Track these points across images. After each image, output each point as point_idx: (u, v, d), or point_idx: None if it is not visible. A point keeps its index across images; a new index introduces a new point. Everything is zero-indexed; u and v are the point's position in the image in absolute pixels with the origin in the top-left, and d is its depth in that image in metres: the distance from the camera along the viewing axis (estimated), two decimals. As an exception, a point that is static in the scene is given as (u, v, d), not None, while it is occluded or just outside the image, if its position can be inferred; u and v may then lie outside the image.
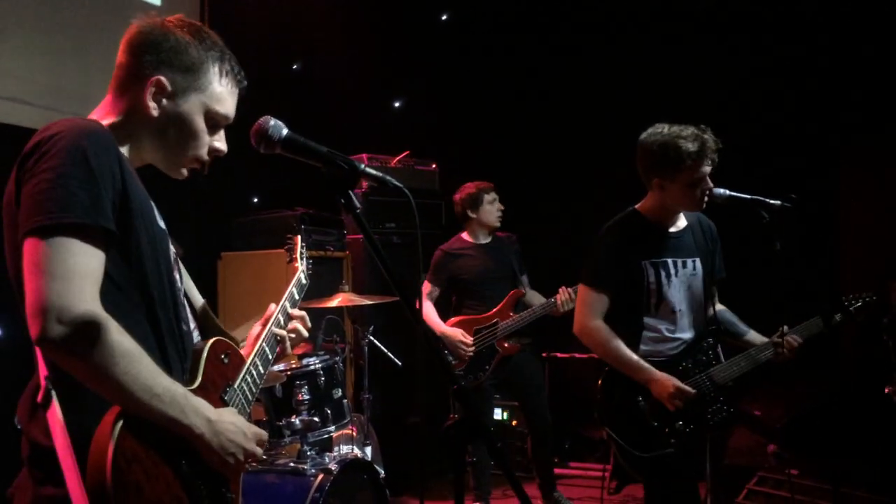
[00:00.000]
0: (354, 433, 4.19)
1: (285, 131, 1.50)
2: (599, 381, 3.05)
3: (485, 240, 4.94)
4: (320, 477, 3.28)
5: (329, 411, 3.73)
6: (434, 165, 6.01)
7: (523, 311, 4.66)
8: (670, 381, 2.88)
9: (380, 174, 1.50)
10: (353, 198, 1.47)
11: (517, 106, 6.54)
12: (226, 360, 1.73)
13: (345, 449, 4.16)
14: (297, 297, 2.16)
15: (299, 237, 2.47)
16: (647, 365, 2.92)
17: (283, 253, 4.77)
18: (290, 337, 2.01)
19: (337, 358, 3.95)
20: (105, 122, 1.61)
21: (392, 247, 5.48)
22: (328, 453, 3.79)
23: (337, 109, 5.75)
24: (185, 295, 1.78)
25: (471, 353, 4.66)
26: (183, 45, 1.63)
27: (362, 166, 1.48)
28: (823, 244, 5.36)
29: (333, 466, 3.34)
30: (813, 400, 4.33)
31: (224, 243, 5.30)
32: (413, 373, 5.45)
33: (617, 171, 4.03)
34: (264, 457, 1.65)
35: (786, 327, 2.99)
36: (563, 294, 4.48)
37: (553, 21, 6.29)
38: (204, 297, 5.63)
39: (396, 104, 6.58)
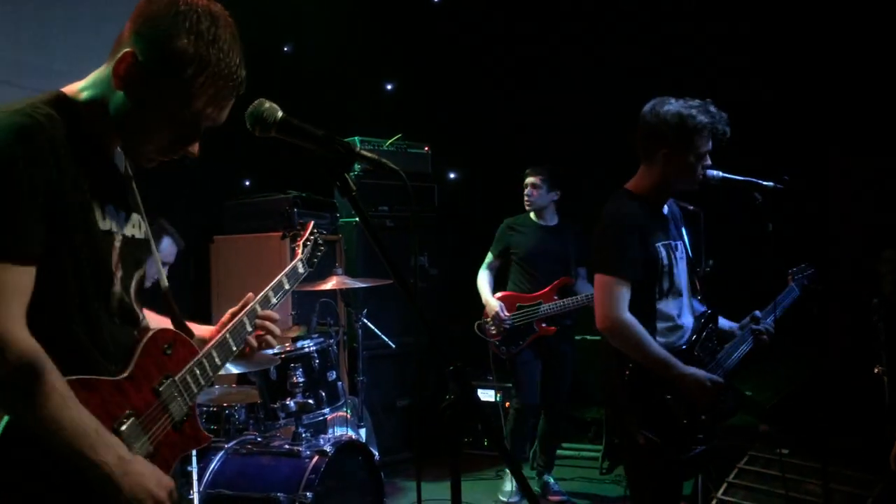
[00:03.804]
0: (349, 415, 4.21)
1: (280, 114, 1.48)
2: (622, 380, 2.70)
3: (546, 221, 4.94)
4: (315, 458, 3.30)
5: (323, 394, 3.75)
6: (427, 148, 6.00)
7: (566, 298, 4.74)
8: (704, 375, 2.69)
9: (375, 157, 1.49)
10: (349, 180, 1.47)
11: (510, 88, 6.52)
12: (168, 352, 1.66)
13: (339, 431, 4.19)
14: (286, 286, 2.04)
15: (312, 223, 2.38)
16: (675, 359, 2.69)
17: (275, 236, 4.81)
18: (258, 337, 1.90)
19: (331, 340, 3.96)
20: (87, 93, 1.54)
21: (385, 230, 5.49)
22: (323, 435, 3.81)
23: (328, 92, 5.73)
24: (141, 282, 1.71)
25: (505, 326, 4.74)
26: (171, 27, 1.47)
27: (358, 149, 1.48)
28: (814, 224, 5.39)
29: (328, 448, 3.36)
30: (803, 380, 4.37)
31: (216, 227, 5.29)
32: (407, 355, 5.48)
33: (611, 154, 4.02)
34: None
35: (757, 312, 2.94)
36: None
37: (546, 3, 6.26)
38: (197, 280, 5.58)
39: (389, 87, 6.55)
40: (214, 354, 1.76)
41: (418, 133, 5.99)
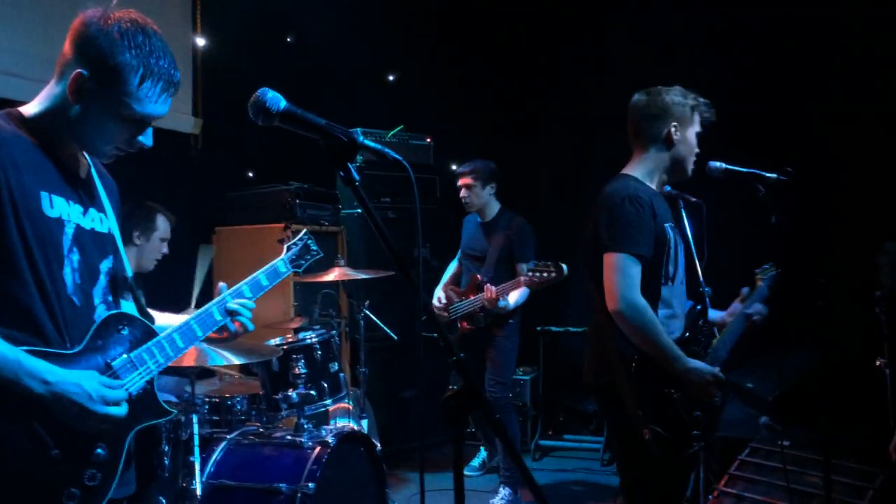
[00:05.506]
0: (351, 407, 4.22)
1: (283, 103, 1.49)
2: (628, 371, 2.58)
3: (485, 217, 4.86)
4: (317, 449, 3.30)
5: (325, 385, 3.75)
6: (429, 139, 5.99)
7: (471, 298, 4.69)
8: (708, 369, 2.61)
9: (379, 147, 1.50)
10: (352, 170, 1.47)
11: (512, 79, 6.50)
12: (123, 332, 1.85)
13: (341, 422, 4.20)
14: (264, 283, 2.21)
15: (305, 230, 2.51)
16: (681, 352, 2.58)
17: (278, 227, 4.80)
18: (233, 326, 2.08)
19: (333, 332, 3.96)
20: (37, 108, 1.77)
21: (387, 221, 5.48)
22: (325, 426, 3.81)
23: (331, 83, 5.71)
24: (110, 272, 1.92)
25: (442, 319, 4.79)
26: (112, 45, 1.70)
27: (361, 138, 1.47)
28: (817, 216, 5.37)
29: (330, 439, 3.36)
30: (805, 372, 4.37)
31: (219, 218, 5.29)
32: (408, 346, 5.48)
33: (612, 146, 4.01)
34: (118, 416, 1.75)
35: (745, 289, 2.90)
36: (486, 293, 4.47)
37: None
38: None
39: (391, 78, 6.54)
40: (176, 337, 1.94)
41: (420, 124, 5.98)
